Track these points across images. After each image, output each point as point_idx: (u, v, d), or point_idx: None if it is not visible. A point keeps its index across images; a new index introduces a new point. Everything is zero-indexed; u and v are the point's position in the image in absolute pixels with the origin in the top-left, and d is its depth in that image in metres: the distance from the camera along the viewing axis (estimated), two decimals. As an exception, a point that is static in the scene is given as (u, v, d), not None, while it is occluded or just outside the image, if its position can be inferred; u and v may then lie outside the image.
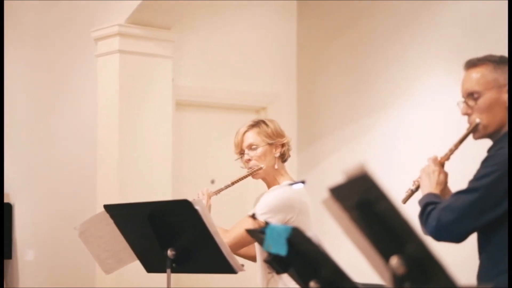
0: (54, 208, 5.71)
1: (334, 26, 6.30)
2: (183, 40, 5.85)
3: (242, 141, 3.48)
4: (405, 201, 2.87)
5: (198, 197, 3.49)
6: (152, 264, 3.32)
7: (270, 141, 3.45)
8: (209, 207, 3.48)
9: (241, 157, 3.50)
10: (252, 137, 3.46)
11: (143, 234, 3.19)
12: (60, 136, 5.75)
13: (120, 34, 5.35)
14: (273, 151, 3.45)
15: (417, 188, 2.89)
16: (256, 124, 3.50)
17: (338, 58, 6.25)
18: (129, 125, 5.38)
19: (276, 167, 3.45)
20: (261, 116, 6.17)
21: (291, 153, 3.55)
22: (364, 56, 6.05)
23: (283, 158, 3.50)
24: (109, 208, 3.31)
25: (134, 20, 5.35)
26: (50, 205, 5.72)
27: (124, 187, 5.31)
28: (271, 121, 3.55)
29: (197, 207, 3.02)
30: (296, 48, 6.53)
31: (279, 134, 3.48)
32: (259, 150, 3.43)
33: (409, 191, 2.90)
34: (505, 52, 2.84)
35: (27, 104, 6.02)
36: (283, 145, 3.47)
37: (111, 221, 3.30)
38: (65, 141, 5.73)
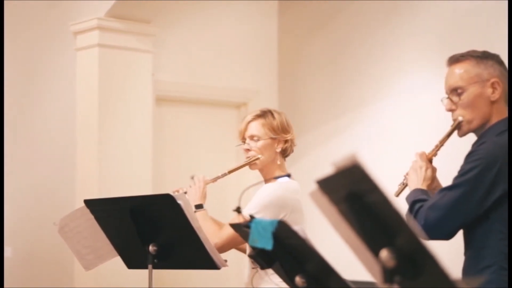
0: (33, 203, 5.64)
1: (315, 22, 6.28)
2: (164, 35, 5.80)
3: (245, 129, 3.38)
4: (397, 194, 2.85)
5: (195, 184, 3.41)
6: (133, 260, 3.27)
7: (274, 136, 3.33)
8: (205, 194, 3.39)
9: (242, 145, 3.40)
10: (255, 128, 3.35)
11: (124, 230, 3.14)
12: (39, 131, 5.69)
13: (99, 27, 5.29)
14: (274, 145, 3.34)
15: None
16: (263, 114, 3.37)
17: (319, 54, 6.23)
18: (109, 120, 5.33)
19: (278, 162, 3.35)
20: (242, 112, 6.13)
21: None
22: (345, 52, 6.03)
23: (284, 153, 3.38)
24: (89, 203, 3.25)
25: (114, 13, 5.30)
26: (28, 200, 5.65)
27: (104, 182, 5.26)
28: (279, 113, 3.40)
29: (179, 201, 2.97)
30: (277, 43, 6.50)
31: (284, 129, 3.35)
32: (260, 143, 3.32)
33: (401, 185, 2.89)
34: (485, 48, 2.82)
35: (4, 98, 5.94)
36: (286, 141, 3.36)
37: (91, 217, 3.25)
38: (44, 136, 5.66)
